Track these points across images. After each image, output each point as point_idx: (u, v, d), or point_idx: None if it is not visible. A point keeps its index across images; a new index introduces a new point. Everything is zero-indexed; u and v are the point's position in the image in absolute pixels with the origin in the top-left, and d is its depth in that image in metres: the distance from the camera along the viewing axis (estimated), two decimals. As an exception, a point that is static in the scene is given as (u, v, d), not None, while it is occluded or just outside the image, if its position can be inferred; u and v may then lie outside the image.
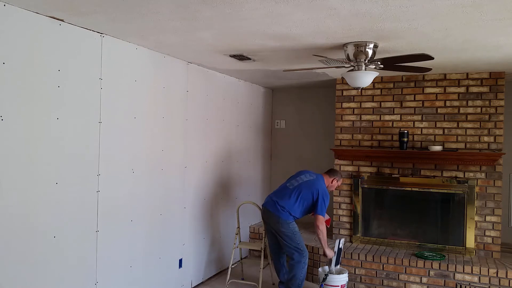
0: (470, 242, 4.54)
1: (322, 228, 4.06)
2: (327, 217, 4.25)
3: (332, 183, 4.32)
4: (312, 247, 4.76)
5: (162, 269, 3.93)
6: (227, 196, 5.11)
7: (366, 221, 5.02)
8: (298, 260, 4.07)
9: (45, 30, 2.71)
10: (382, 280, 4.44)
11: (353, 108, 5.07)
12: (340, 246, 4.14)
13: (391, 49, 3.40)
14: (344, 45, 3.28)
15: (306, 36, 3.05)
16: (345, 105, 5.11)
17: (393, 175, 4.85)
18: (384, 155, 4.78)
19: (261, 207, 4.34)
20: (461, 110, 4.62)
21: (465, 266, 4.17)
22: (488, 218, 4.51)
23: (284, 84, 5.72)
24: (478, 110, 4.55)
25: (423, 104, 4.77)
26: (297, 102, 6.24)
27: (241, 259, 5.00)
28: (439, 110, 4.70)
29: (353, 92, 5.05)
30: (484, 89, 4.54)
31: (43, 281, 2.74)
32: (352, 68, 3.43)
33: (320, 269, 4.28)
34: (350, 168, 5.05)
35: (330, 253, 4.14)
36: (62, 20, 2.81)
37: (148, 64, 3.67)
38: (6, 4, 2.47)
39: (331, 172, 4.40)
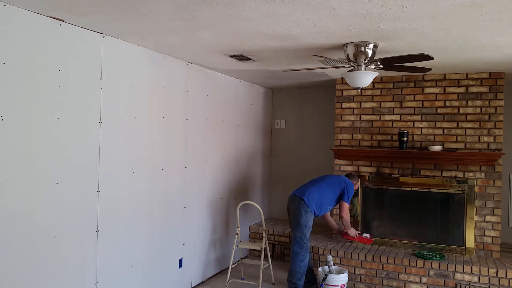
0: (470, 242, 4.55)
1: (347, 218, 4.42)
2: (370, 237, 4.64)
3: (354, 184, 4.54)
4: (312, 247, 4.76)
5: (162, 269, 3.93)
6: (227, 196, 5.11)
7: (366, 221, 5.02)
8: (297, 252, 4.16)
9: (45, 30, 2.72)
10: (382, 280, 4.45)
11: (353, 108, 5.08)
12: (331, 267, 4.21)
13: (391, 49, 3.40)
14: (344, 45, 3.28)
15: (306, 36, 3.05)
16: (345, 105, 5.11)
17: (393, 175, 4.86)
18: (384, 155, 4.79)
19: (259, 209, 4.37)
20: (461, 110, 4.62)
21: (464, 266, 4.18)
22: (487, 218, 4.51)
23: (284, 84, 5.73)
24: (478, 110, 4.56)
25: (422, 104, 4.77)
26: (297, 102, 6.25)
27: (241, 259, 5.01)
28: (438, 110, 4.71)
29: (353, 92, 5.05)
30: (484, 89, 4.54)
31: (43, 281, 2.74)
32: (352, 68, 3.44)
33: (320, 269, 4.29)
34: (350, 168, 5.05)
35: (353, 232, 4.52)
36: (62, 20, 2.81)
37: (148, 64, 3.67)
38: (6, 4, 2.47)
39: (349, 177, 4.60)
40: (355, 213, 5.00)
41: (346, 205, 4.39)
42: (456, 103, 4.64)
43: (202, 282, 4.61)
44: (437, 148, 4.58)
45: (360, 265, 4.54)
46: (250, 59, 3.96)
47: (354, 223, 4.99)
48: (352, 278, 4.53)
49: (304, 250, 4.16)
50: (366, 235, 4.64)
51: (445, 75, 4.67)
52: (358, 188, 4.84)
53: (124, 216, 3.44)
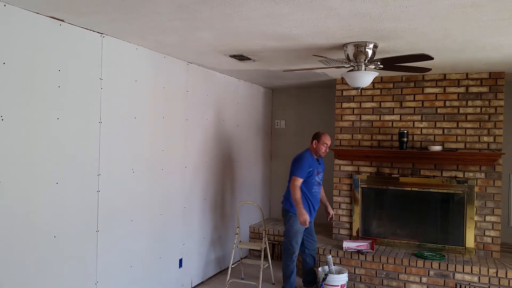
0: (470, 242, 4.55)
1: (293, 189, 4.06)
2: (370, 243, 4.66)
3: (315, 146, 4.24)
4: (312, 247, 4.76)
5: (162, 269, 3.93)
6: (227, 196, 5.12)
7: (366, 221, 5.02)
8: (283, 256, 4.29)
9: (45, 30, 2.72)
10: (382, 280, 4.45)
11: (353, 108, 5.08)
12: (331, 267, 4.21)
13: (391, 49, 3.40)
14: (344, 45, 3.28)
15: (306, 36, 3.05)
16: (345, 105, 5.11)
17: (392, 175, 4.86)
18: (384, 155, 4.79)
19: (259, 209, 4.41)
20: (461, 110, 4.62)
21: (464, 266, 4.18)
22: (487, 218, 4.51)
23: (284, 84, 5.73)
24: (478, 110, 4.56)
25: (422, 104, 4.77)
26: (297, 102, 6.25)
27: (241, 259, 5.01)
28: (438, 110, 4.70)
29: (353, 92, 5.05)
30: (484, 89, 4.54)
31: (43, 281, 2.74)
32: (352, 68, 3.44)
33: (320, 269, 4.29)
34: (350, 168, 5.06)
35: (303, 216, 3.98)
36: (62, 20, 2.81)
37: (148, 64, 3.67)
38: (6, 4, 2.47)
39: (312, 138, 4.32)
40: (353, 213, 5.00)
41: (292, 179, 4.07)
42: (456, 103, 4.64)
43: (202, 282, 4.61)
44: (437, 148, 4.58)
45: (360, 265, 4.53)
46: (250, 59, 3.96)
47: (353, 223, 5.00)
48: (352, 278, 4.53)
49: (289, 255, 4.22)
50: (366, 247, 4.65)
51: (445, 75, 4.67)
52: (323, 148, 4.19)
53: (124, 216, 3.44)
